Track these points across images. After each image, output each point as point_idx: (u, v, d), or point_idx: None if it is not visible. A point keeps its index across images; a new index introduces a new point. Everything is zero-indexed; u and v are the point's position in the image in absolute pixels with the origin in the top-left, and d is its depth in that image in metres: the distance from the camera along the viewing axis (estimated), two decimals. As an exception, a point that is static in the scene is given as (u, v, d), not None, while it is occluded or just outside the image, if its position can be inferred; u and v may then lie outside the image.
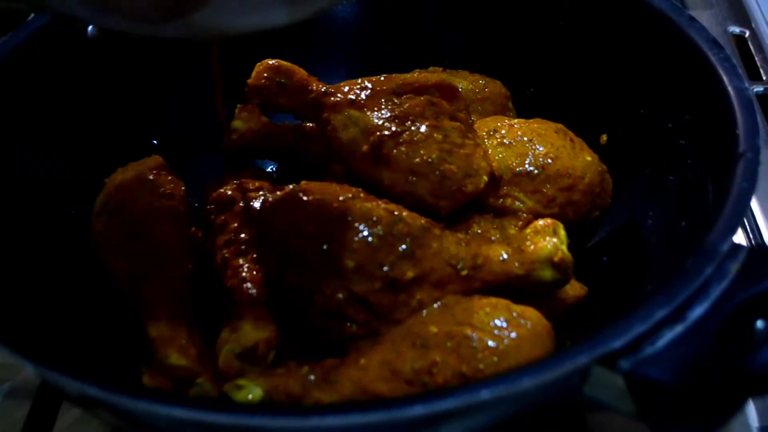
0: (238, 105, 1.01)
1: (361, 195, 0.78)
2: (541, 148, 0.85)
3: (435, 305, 0.76)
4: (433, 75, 0.91)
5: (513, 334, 0.71)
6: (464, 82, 0.98)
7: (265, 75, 0.89)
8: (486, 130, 0.87)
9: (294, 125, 1.00)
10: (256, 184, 0.89)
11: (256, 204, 0.85)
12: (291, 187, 0.80)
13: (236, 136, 1.00)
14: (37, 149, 0.89)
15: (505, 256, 0.77)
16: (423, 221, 0.77)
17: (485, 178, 0.80)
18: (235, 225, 0.85)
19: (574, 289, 0.84)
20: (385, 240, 0.74)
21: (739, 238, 0.99)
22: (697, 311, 0.61)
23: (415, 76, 0.88)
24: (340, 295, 0.74)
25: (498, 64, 1.05)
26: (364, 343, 0.76)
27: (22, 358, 0.61)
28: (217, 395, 0.77)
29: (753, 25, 1.31)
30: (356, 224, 0.74)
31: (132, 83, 1.01)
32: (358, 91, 0.85)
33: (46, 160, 0.89)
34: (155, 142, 1.04)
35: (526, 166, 0.84)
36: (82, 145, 0.94)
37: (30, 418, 0.87)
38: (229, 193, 0.87)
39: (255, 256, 0.82)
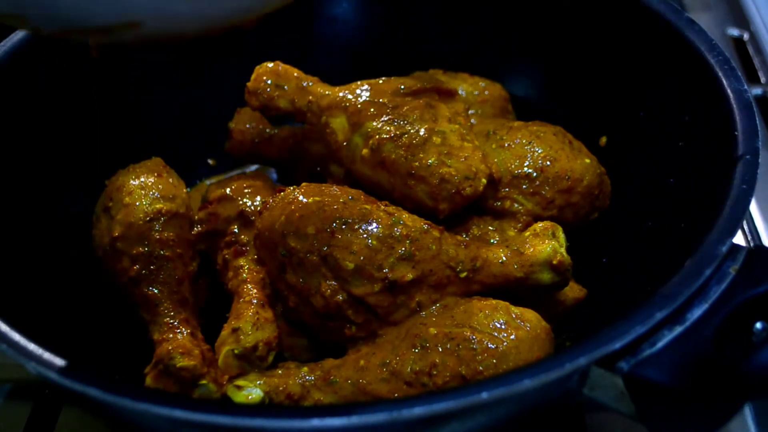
0: (238, 108, 1.02)
1: (361, 197, 0.78)
2: (539, 151, 0.85)
3: (434, 307, 0.76)
4: (432, 77, 0.92)
5: (512, 336, 0.71)
6: (464, 85, 0.98)
7: (265, 78, 0.89)
8: (485, 132, 0.88)
9: (293, 128, 1.00)
10: (257, 185, 0.89)
11: (257, 205, 0.85)
12: (291, 188, 0.80)
13: (236, 139, 1.01)
14: (37, 151, 0.89)
15: (504, 258, 0.77)
16: (422, 223, 0.77)
17: (484, 180, 0.80)
18: (236, 226, 0.85)
19: (574, 291, 0.84)
20: (385, 242, 0.74)
21: (738, 239, 0.99)
22: (696, 312, 0.61)
23: (415, 78, 0.88)
24: (340, 297, 0.74)
25: (498, 66, 1.06)
26: (363, 345, 0.76)
27: (23, 358, 0.61)
28: (220, 396, 0.77)
29: (752, 28, 1.31)
30: (356, 226, 0.74)
31: (133, 85, 1.01)
32: (357, 94, 0.85)
33: (47, 162, 0.89)
34: (156, 144, 1.04)
35: (525, 168, 0.84)
36: (83, 147, 0.94)
37: (32, 419, 0.87)
38: (230, 194, 0.87)
39: (255, 257, 0.83)
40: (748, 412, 0.83)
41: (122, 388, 0.58)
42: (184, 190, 0.88)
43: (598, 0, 0.96)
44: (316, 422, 0.55)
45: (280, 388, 0.75)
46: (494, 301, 0.75)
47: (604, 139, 0.96)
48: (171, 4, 0.63)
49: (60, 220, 0.89)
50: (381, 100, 0.84)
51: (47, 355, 0.61)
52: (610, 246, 0.92)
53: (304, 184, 0.80)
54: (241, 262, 0.83)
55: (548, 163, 0.84)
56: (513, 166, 0.84)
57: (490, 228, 0.84)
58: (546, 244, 0.77)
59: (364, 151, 0.82)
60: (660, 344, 0.60)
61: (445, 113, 0.83)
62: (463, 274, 0.76)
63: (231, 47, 0.77)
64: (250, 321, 0.77)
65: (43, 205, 0.87)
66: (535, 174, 0.84)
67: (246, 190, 0.88)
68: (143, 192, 0.84)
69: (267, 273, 0.81)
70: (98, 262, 0.84)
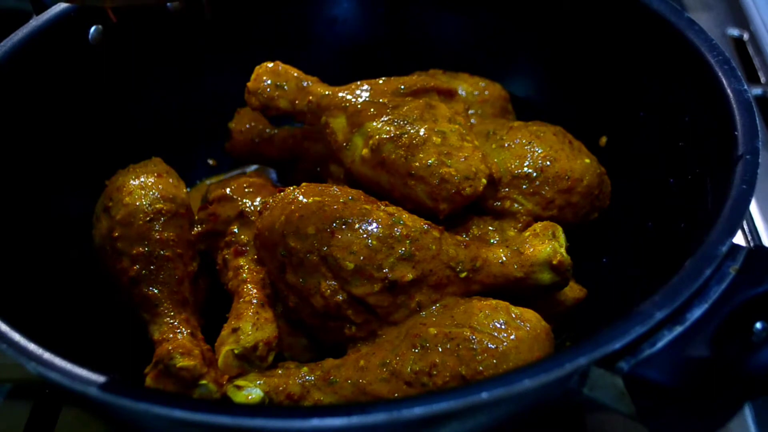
0: (238, 108, 1.02)
1: (361, 197, 0.78)
2: (539, 151, 0.85)
3: (434, 307, 0.76)
4: (432, 77, 0.92)
5: (512, 336, 0.71)
6: (464, 85, 0.98)
7: (265, 78, 0.89)
8: (485, 132, 0.88)
9: (293, 128, 1.00)
10: (257, 185, 0.89)
11: (257, 205, 0.85)
12: (291, 188, 0.80)
13: (236, 139, 1.01)
14: (37, 151, 0.89)
15: (504, 258, 0.77)
16: (422, 223, 0.77)
17: (484, 180, 0.80)
18: (236, 226, 0.85)
19: (574, 291, 0.84)
20: (385, 242, 0.74)
21: (738, 239, 0.99)
22: (696, 312, 0.61)
23: (415, 78, 0.88)
24: (340, 297, 0.74)
25: (498, 66, 1.06)
26: (363, 345, 0.76)
27: (23, 358, 0.61)
28: (220, 396, 0.77)
29: (752, 28, 1.31)
30: (356, 226, 0.74)
31: (133, 85, 1.01)
32: (357, 94, 0.85)
33: (48, 163, 0.89)
34: (156, 144, 1.04)
35: (525, 168, 0.84)
36: (83, 147, 0.94)
37: (32, 419, 0.87)
38: (230, 194, 0.87)
39: (255, 257, 0.83)
40: (748, 413, 0.83)
41: (122, 388, 0.58)
42: (184, 190, 0.88)
43: (599, 0, 0.96)
44: (316, 422, 0.55)
45: (280, 388, 0.75)
46: (494, 301, 0.75)
47: (604, 139, 0.96)
48: None
49: (60, 220, 0.89)
50: (381, 100, 0.84)
51: (47, 355, 0.61)
52: (610, 246, 0.92)
53: (304, 184, 0.80)
54: (241, 262, 0.83)
55: (548, 163, 0.84)
56: (513, 166, 0.84)
57: (490, 228, 0.84)
58: (546, 244, 0.77)
59: (364, 151, 0.82)
60: (660, 344, 0.60)
61: (445, 113, 0.83)
62: (463, 274, 0.76)
63: None
64: (250, 321, 0.77)
65: (44, 205, 0.87)
66: (535, 174, 0.84)
67: (246, 190, 0.88)
68: (143, 192, 0.84)
69: (267, 273, 0.81)
70: (98, 262, 0.84)
